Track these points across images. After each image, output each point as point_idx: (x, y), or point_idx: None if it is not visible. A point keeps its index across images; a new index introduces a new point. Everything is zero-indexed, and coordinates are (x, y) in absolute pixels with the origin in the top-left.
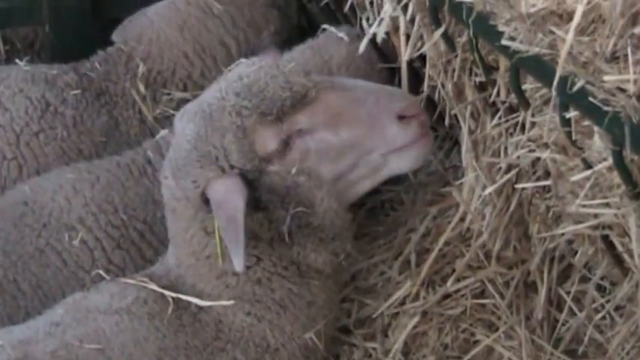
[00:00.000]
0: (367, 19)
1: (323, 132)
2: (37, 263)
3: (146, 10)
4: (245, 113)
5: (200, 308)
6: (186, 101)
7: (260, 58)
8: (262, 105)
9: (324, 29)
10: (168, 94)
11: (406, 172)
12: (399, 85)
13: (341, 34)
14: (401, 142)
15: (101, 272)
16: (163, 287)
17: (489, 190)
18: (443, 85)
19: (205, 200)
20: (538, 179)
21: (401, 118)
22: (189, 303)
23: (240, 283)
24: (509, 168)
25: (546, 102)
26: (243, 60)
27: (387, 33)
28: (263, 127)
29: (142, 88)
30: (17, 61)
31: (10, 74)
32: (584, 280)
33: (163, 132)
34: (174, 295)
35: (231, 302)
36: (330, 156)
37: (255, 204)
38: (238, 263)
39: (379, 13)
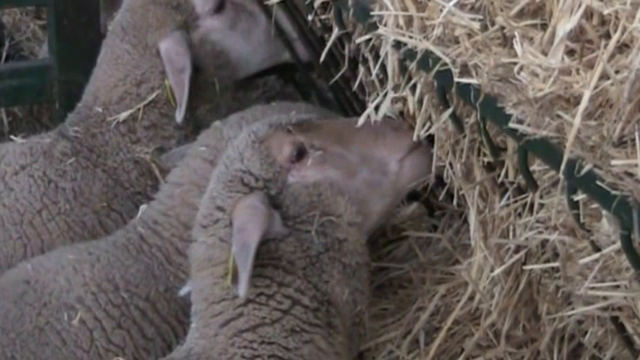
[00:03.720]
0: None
1: (335, 147)
2: (36, 341)
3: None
4: (256, 129)
5: None
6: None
7: None
8: (271, 120)
9: None
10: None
11: (421, 180)
12: None
13: None
14: (406, 146)
15: None
16: None
17: (497, 271)
18: (451, 165)
19: None
20: (547, 260)
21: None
22: None
23: (276, 333)
24: (518, 248)
25: (554, 184)
26: None
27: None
28: (275, 134)
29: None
30: (12, 137)
31: (9, 149)
32: None
33: (143, 207)
34: None
35: None
36: (346, 170)
37: (284, 223)
38: (242, 288)
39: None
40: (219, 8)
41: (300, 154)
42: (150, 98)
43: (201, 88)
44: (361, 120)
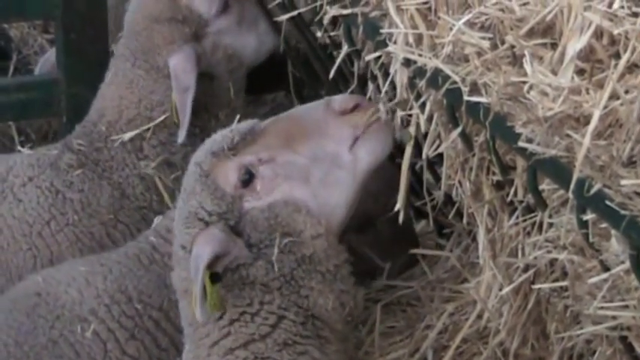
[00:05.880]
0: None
1: (283, 155)
2: (49, 354)
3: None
4: (200, 160)
5: None
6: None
7: None
8: (213, 147)
9: None
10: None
11: (381, 160)
12: None
13: None
14: (354, 130)
15: None
16: None
17: (506, 290)
18: (460, 183)
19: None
20: (556, 280)
21: (344, 114)
22: None
23: (268, 348)
24: (527, 267)
25: (564, 203)
26: None
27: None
28: (219, 164)
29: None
30: (19, 148)
31: (17, 161)
32: None
33: (157, 219)
34: None
35: None
36: (299, 176)
37: (251, 249)
38: (197, 312)
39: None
40: (224, 7)
41: (249, 177)
42: (159, 119)
43: (217, 95)
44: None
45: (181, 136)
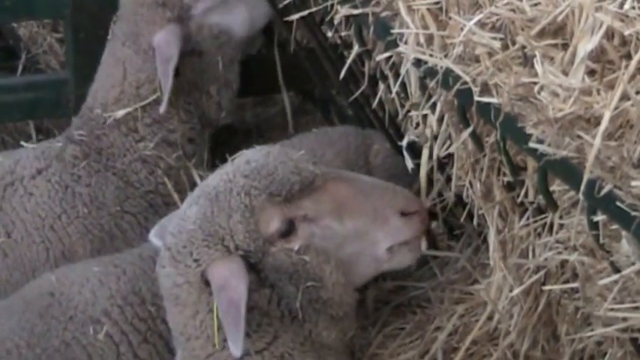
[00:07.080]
0: (396, 115)
1: (328, 219)
2: (62, 357)
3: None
4: (254, 193)
5: None
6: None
7: (267, 146)
8: (271, 186)
9: None
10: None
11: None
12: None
13: None
14: (403, 236)
15: None
16: None
17: (516, 291)
18: (471, 184)
19: (206, 281)
20: (566, 281)
21: (403, 214)
22: None
23: None
24: (538, 269)
25: (574, 204)
26: (245, 151)
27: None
28: (270, 207)
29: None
30: (22, 142)
31: (22, 155)
32: None
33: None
34: None
35: None
36: (334, 242)
37: (261, 282)
38: (236, 349)
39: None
40: None
41: (289, 229)
42: (152, 98)
43: (206, 70)
44: None
45: (163, 105)
